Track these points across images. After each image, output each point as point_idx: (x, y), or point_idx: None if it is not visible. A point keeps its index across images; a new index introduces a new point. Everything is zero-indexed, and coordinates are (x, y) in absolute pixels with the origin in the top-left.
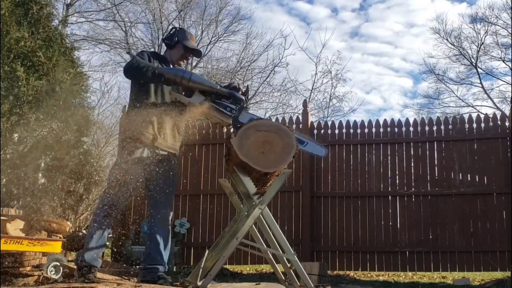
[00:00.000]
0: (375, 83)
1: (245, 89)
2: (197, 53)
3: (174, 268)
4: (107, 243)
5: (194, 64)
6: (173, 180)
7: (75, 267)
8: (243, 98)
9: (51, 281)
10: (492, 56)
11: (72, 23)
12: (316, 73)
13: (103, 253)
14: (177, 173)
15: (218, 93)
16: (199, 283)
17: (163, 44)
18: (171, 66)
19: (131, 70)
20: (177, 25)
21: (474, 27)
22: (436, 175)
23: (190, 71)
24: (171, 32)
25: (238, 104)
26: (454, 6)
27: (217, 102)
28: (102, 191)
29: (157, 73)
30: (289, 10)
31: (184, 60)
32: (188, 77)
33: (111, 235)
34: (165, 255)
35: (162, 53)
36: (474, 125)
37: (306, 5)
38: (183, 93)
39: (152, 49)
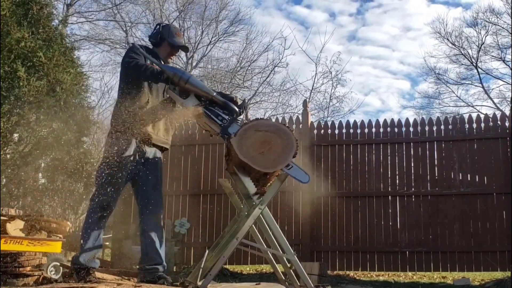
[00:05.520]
0: (373, 85)
1: (241, 102)
2: (185, 49)
3: (174, 268)
4: (107, 243)
5: (194, 64)
6: (160, 176)
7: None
8: (237, 109)
9: (51, 281)
10: (492, 56)
11: (72, 23)
12: (316, 73)
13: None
14: (162, 168)
15: (213, 100)
16: (199, 283)
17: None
18: (162, 63)
19: (131, 69)
20: (177, 25)
21: (474, 28)
22: (436, 175)
23: (189, 73)
24: (155, 30)
25: (231, 115)
26: (450, 10)
27: (210, 109)
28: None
29: (158, 71)
30: (287, 14)
31: (172, 57)
32: (186, 79)
33: (110, 235)
34: (162, 253)
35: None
36: (474, 125)
37: (304, 9)
38: (179, 93)
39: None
